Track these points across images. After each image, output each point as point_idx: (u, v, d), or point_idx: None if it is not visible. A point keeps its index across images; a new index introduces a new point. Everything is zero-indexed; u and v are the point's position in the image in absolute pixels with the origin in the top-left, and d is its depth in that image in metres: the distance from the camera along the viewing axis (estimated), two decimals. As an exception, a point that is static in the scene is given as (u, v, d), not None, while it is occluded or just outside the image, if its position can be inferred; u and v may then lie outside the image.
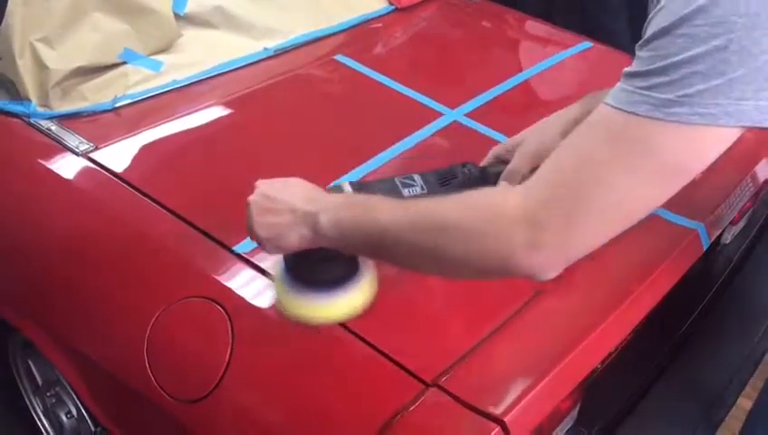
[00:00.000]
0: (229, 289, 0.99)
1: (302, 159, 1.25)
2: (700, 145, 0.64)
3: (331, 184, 0.97)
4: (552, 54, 1.64)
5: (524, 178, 0.85)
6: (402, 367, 0.88)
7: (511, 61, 1.68)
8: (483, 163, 1.04)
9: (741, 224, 1.46)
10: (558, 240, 0.67)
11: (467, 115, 1.39)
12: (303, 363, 0.93)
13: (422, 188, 0.96)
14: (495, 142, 1.31)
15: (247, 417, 0.94)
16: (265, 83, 1.45)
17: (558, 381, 0.90)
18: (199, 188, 1.18)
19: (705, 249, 1.16)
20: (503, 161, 1.02)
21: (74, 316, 1.13)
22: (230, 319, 0.96)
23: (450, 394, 0.85)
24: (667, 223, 1.15)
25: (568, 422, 1.02)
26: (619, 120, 0.65)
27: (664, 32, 0.63)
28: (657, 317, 1.21)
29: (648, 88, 0.64)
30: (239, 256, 1.03)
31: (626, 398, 1.17)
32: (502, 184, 0.92)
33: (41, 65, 1.31)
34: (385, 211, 0.76)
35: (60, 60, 1.32)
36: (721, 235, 1.39)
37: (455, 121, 1.37)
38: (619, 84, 0.67)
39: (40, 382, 1.43)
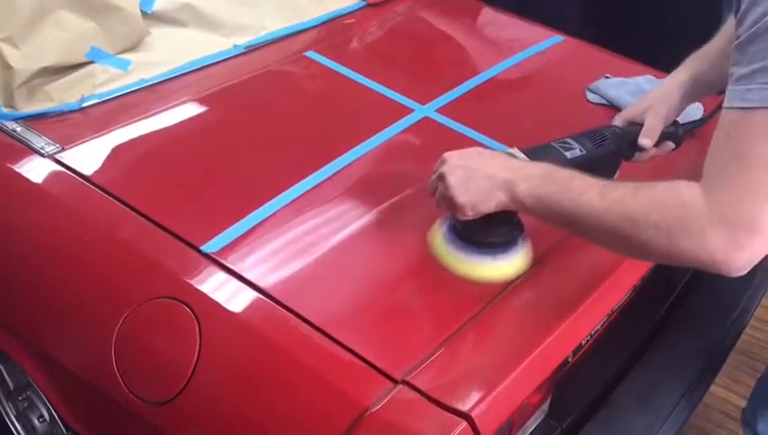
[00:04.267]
0: (196, 289, 0.98)
1: (271, 157, 1.25)
2: None
3: (505, 150, 1.03)
4: (523, 48, 1.64)
5: (660, 136, 1.08)
6: (370, 364, 0.88)
7: (482, 55, 1.68)
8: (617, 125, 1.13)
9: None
10: (750, 240, 0.73)
11: (438, 111, 1.38)
12: (271, 363, 0.92)
13: (581, 150, 1.03)
14: (466, 138, 1.32)
15: (216, 417, 0.93)
16: (235, 81, 1.44)
17: (526, 374, 0.90)
18: (167, 188, 1.17)
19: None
20: (635, 123, 1.11)
21: (41, 320, 1.12)
22: (197, 319, 0.96)
23: (418, 391, 0.85)
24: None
25: (539, 416, 1.02)
26: (751, 117, 0.72)
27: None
28: (629, 308, 1.22)
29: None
30: (206, 256, 1.02)
31: (598, 390, 1.18)
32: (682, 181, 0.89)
33: (5, 65, 1.28)
34: (583, 193, 0.83)
35: (25, 59, 1.29)
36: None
37: (426, 117, 1.37)
38: (729, 87, 0.74)
39: (11, 387, 1.42)
